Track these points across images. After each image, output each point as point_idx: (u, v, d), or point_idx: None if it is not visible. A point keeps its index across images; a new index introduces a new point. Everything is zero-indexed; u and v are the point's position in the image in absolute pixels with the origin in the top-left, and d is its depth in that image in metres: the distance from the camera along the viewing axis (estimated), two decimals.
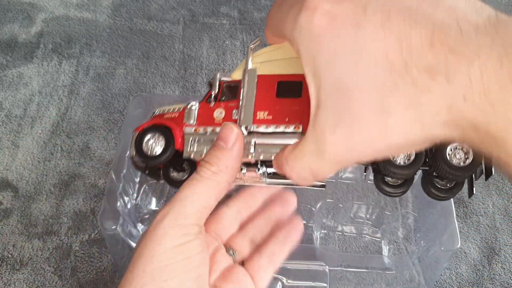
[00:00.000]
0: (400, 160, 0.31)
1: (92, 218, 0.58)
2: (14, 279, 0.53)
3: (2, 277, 0.53)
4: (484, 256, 0.58)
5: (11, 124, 0.66)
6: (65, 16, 0.80)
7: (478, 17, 0.20)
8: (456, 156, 0.31)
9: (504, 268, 0.58)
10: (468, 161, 0.31)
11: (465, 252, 0.59)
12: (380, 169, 0.32)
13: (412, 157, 0.31)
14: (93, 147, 0.64)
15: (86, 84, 0.71)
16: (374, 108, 0.21)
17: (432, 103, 0.20)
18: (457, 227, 0.46)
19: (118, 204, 0.47)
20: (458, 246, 0.44)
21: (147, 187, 0.59)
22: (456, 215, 0.62)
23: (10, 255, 0.55)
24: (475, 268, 0.57)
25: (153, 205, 0.58)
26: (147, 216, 0.56)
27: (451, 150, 0.31)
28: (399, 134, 0.21)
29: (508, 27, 0.19)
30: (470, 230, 0.60)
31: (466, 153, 0.31)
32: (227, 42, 0.79)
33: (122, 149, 0.51)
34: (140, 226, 0.53)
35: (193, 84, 0.73)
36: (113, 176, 0.49)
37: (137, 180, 0.58)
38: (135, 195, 0.56)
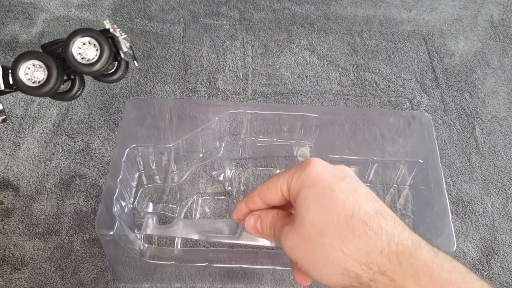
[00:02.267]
0: None
1: (93, 218, 0.58)
2: (15, 278, 0.53)
3: (3, 277, 0.53)
4: (483, 256, 0.59)
5: (12, 124, 0.66)
6: (66, 17, 0.81)
7: (395, 217, 0.31)
8: None
9: (503, 268, 0.58)
10: None
11: (464, 252, 0.59)
12: None
13: None
14: (94, 147, 0.64)
15: (87, 84, 0.71)
16: (316, 231, 0.30)
17: (358, 245, 0.29)
18: (453, 229, 0.46)
19: (115, 208, 0.46)
20: (454, 248, 0.45)
21: (144, 191, 0.59)
22: (455, 214, 0.62)
23: (11, 255, 0.55)
24: (474, 267, 0.58)
25: (150, 209, 0.58)
26: (143, 220, 0.56)
27: None
28: (329, 256, 0.30)
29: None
30: (469, 229, 0.61)
31: None
32: (227, 43, 0.79)
33: (118, 154, 0.51)
34: (137, 231, 0.53)
35: (193, 84, 0.73)
36: (110, 180, 0.49)
37: (134, 184, 0.58)
38: (131, 199, 0.56)
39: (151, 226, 0.43)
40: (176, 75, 0.74)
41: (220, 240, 0.40)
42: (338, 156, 0.58)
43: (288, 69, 0.76)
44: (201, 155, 0.60)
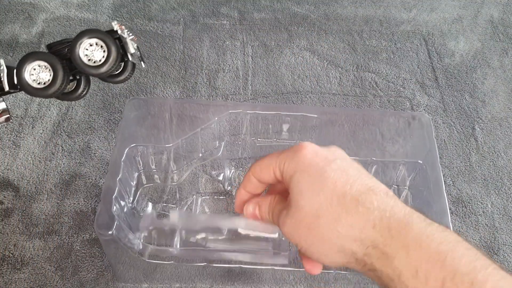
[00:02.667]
0: None
1: (93, 218, 0.58)
2: (15, 278, 0.53)
3: (3, 277, 0.53)
4: None
5: (12, 124, 0.66)
6: (66, 17, 0.81)
7: (388, 192, 0.32)
8: None
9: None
10: None
11: None
12: None
13: None
14: (94, 147, 0.64)
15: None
16: (312, 214, 0.31)
17: (351, 223, 0.30)
18: (451, 230, 0.46)
19: (114, 208, 0.46)
20: None
21: (143, 191, 0.59)
22: (455, 214, 0.62)
23: (11, 255, 0.55)
24: None
25: (150, 209, 0.58)
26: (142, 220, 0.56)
27: None
28: (325, 236, 0.31)
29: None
30: (469, 229, 0.61)
31: None
32: (227, 43, 0.79)
33: (118, 153, 0.51)
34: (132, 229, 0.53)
35: (193, 84, 0.73)
36: (109, 180, 0.49)
37: (133, 183, 0.58)
38: (131, 199, 0.56)
39: (148, 219, 0.43)
40: (176, 75, 0.74)
41: (220, 246, 0.40)
42: None
43: (288, 69, 0.76)
44: (200, 155, 0.60)
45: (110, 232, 0.43)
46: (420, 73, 0.78)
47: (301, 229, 0.32)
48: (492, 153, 0.68)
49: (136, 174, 0.59)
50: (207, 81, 0.74)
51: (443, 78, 0.77)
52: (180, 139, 0.57)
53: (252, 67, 0.76)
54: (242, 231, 0.38)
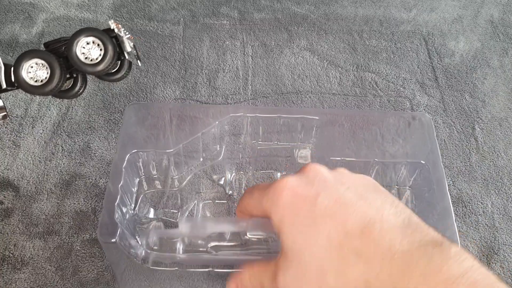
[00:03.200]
0: None
1: (93, 218, 0.58)
2: (15, 278, 0.53)
3: (3, 277, 0.53)
4: (483, 256, 0.59)
5: (12, 124, 0.66)
6: (66, 16, 0.81)
7: (396, 218, 0.28)
8: None
9: (503, 268, 0.58)
10: None
11: None
12: None
13: None
14: (94, 147, 0.64)
15: (87, 83, 0.72)
16: (315, 269, 0.28)
17: (353, 275, 0.27)
18: (456, 230, 0.46)
19: (116, 215, 0.46)
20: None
21: (144, 196, 0.59)
22: (455, 214, 0.62)
23: (11, 255, 0.55)
24: None
25: (151, 215, 0.58)
26: (145, 226, 0.56)
27: None
28: None
29: (415, 227, 0.27)
30: (469, 229, 0.61)
31: None
32: (227, 43, 0.79)
33: (119, 159, 0.51)
34: (138, 237, 0.53)
35: (193, 84, 0.73)
36: (111, 187, 0.49)
37: (135, 190, 0.58)
38: (132, 205, 0.56)
39: (157, 232, 0.43)
40: (176, 75, 0.74)
41: (227, 257, 0.40)
42: (339, 158, 0.58)
43: (288, 69, 0.76)
44: (201, 159, 0.60)
45: (113, 240, 0.44)
46: (420, 73, 0.78)
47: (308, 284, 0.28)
48: (492, 153, 0.68)
49: (137, 180, 0.59)
50: (207, 81, 0.74)
51: (443, 78, 0.77)
52: (181, 144, 0.57)
53: (252, 67, 0.76)
54: (249, 234, 0.38)
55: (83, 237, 0.56)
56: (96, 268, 0.54)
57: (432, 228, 0.28)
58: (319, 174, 0.31)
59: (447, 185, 0.50)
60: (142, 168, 0.59)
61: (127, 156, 0.53)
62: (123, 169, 0.51)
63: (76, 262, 0.55)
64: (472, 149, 0.69)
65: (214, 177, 0.62)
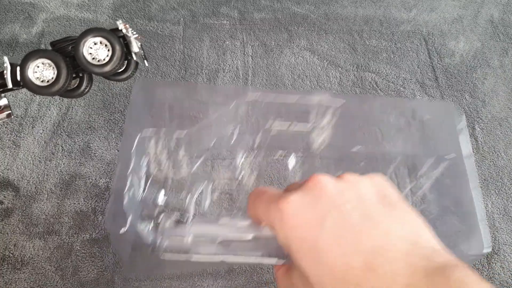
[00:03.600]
0: None
1: (93, 218, 0.58)
2: (15, 278, 0.53)
3: (3, 277, 0.53)
4: (483, 256, 0.59)
5: (12, 124, 0.66)
6: (66, 16, 0.81)
7: (402, 244, 0.27)
8: None
9: (503, 267, 0.58)
10: None
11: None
12: None
13: None
14: (94, 147, 0.64)
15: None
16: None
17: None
18: (481, 231, 0.44)
19: (125, 201, 0.45)
20: (490, 250, 0.43)
21: (153, 181, 0.58)
22: (456, 215, 0.62)
23: (11, 255, 0.55)
24: (474, 267, 0.58)
25: (160, 200, 0.57)
26: (154, 212, 0.55)
27: None
28: None
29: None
30: None
31: None
32: (227, 42, 0.79)
33: (127, 144, 0.50)
34: (144, 222, 0.52)
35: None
36: (118, 174, 0.47)
37: (143, 175, 0.56)
38: (141, 190, 0.55)
39: (169, 231, 0.43)
40: (176, 75, 0.74)
41: (240, 261, 0.40)
42: (356, 149, 0.55)
43: (288, 69, 0.77)
44: (212, 143, 0.59)
45: (122, 228, 0.43)
46: (420, 73, 0.78)
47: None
48: (492, 153, 0.68)
49: (145, 163, 0.57)
50: (207, 81, 0.74)
51: (443, 78, 0.77)
52: (192, 127, 0.55)
53: (252, 67, 0.76)
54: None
55: (83, 237, 0.56)
56: (96, 268, 0.54)
57: (439, 244, 0.28)
58: (324, 190, 0.30)
59: (474, 181, 0.48)
60: (150, 152, 0.57)
61: (136, 140, 0.51)
62: (132, 153, 0.49)
63: (76, 262, 0.55)
64: (472, 149, 0.69)
65: (225, 161, 0.61)
